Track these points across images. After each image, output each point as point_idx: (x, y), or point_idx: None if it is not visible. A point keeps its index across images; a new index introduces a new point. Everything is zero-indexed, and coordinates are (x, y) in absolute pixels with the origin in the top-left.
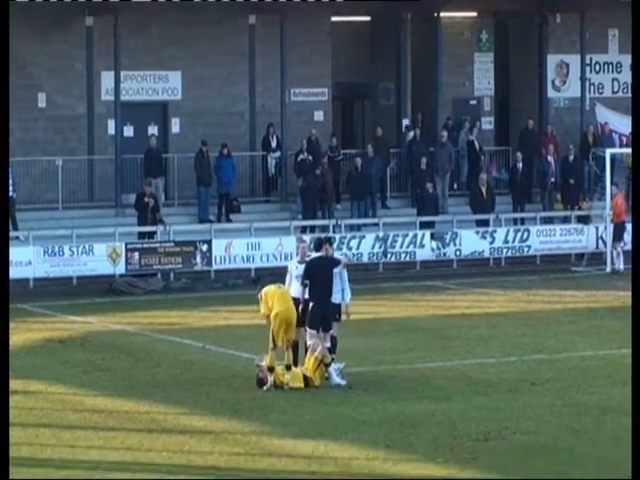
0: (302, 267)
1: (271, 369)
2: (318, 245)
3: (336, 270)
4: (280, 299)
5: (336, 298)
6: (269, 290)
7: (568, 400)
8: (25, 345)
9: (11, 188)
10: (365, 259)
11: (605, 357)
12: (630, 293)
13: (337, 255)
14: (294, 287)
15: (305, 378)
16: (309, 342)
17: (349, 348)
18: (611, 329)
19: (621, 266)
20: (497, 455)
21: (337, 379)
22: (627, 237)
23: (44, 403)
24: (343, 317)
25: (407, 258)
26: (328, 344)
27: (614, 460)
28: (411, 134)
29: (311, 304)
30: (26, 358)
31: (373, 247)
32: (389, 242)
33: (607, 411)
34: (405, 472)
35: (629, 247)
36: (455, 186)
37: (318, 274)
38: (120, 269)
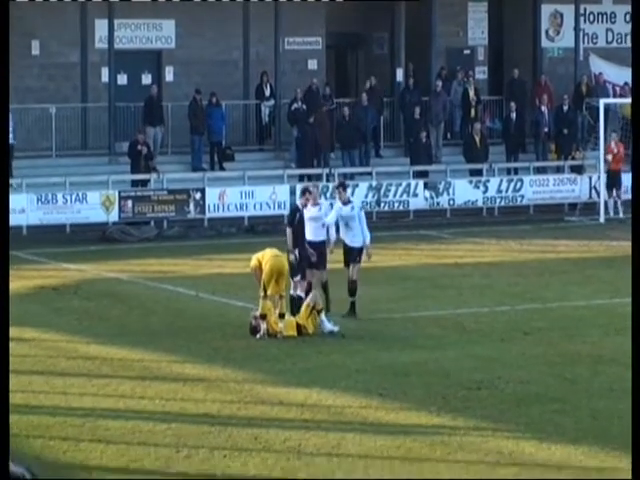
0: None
1: (263, 317)
2: (301, 193)
3: (353, 214)
4: (272, 252)
5: (354, 242)
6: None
7: (561, 349)
8: (18, 292)
9: (11, 135)
10: None
11: (598, 307)
12: (624, 243)
13: (352, 201)
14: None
15: (298, 326)
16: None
17: (343, 297)
18: (604, 279)
19: (621, 214)
20: (489, 404)
21: (329, 326)
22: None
23: (37, 350)
24: (364, 258)
25: (400, 207)
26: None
27: (606, 410)
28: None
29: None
30: (19, 305)
31: (366, 196)
32: (382, 191)
33: (600, 361)
34: (398, 420)
35: (628, 196)
36: (448, 135)
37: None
38: (113, 217)
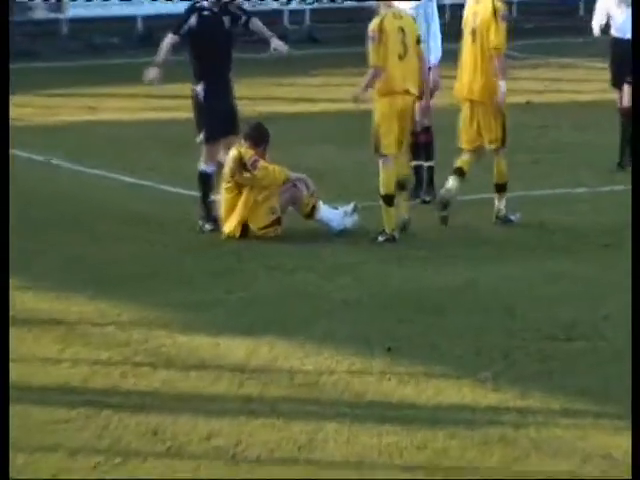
0: None
1: None
2: None
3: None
4: None
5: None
6: None
7: None
8: None
9: None
10: None
11: None
12: None
13: None
14: None
15: (244, 226)
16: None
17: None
18: None
19: None
20: (589, 366)
21: (337, 216)
22: None
23: None
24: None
25: None
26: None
27: None
28: None
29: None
30: None
31: None
32: None
33: None
34: (421, 399)
35: None
36: None
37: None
38: None
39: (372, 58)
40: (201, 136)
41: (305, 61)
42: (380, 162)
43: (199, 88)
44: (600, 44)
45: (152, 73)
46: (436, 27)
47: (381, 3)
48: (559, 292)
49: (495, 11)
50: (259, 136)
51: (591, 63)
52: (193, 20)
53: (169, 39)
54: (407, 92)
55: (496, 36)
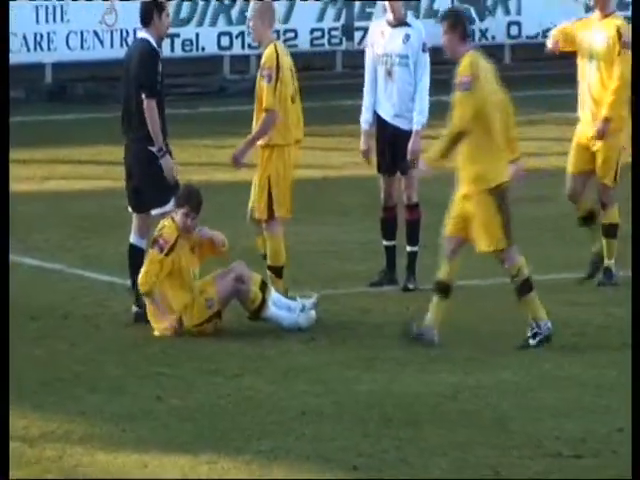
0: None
1: None
2: None
3: (406, 51)
4: None
5: (400, 117)
6: None
7: None
8: None
9: None
10: None
11: None
12: None
13: None
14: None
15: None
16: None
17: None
18: None
19: None
20: None
21: (295, 304)
22: None
23: None
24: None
25: None
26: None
27: None
28: None
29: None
30: None
31: None
32: None
33: None
34: None
35: None
36: None
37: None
38: None
39: (267, 100)
40: (170, 204)
41: (250, 118)
42: (269, 228)
43: (157, 149)
44: None
45: (171, 164)
46: (426, 85)
47: (263, 14)
48: (562, 400)
49: (620, 36)
50: (187, 195)
51: None
52: (160, 68)
53: (154, 111)
54: (298, 142)
55: (624, 67)
